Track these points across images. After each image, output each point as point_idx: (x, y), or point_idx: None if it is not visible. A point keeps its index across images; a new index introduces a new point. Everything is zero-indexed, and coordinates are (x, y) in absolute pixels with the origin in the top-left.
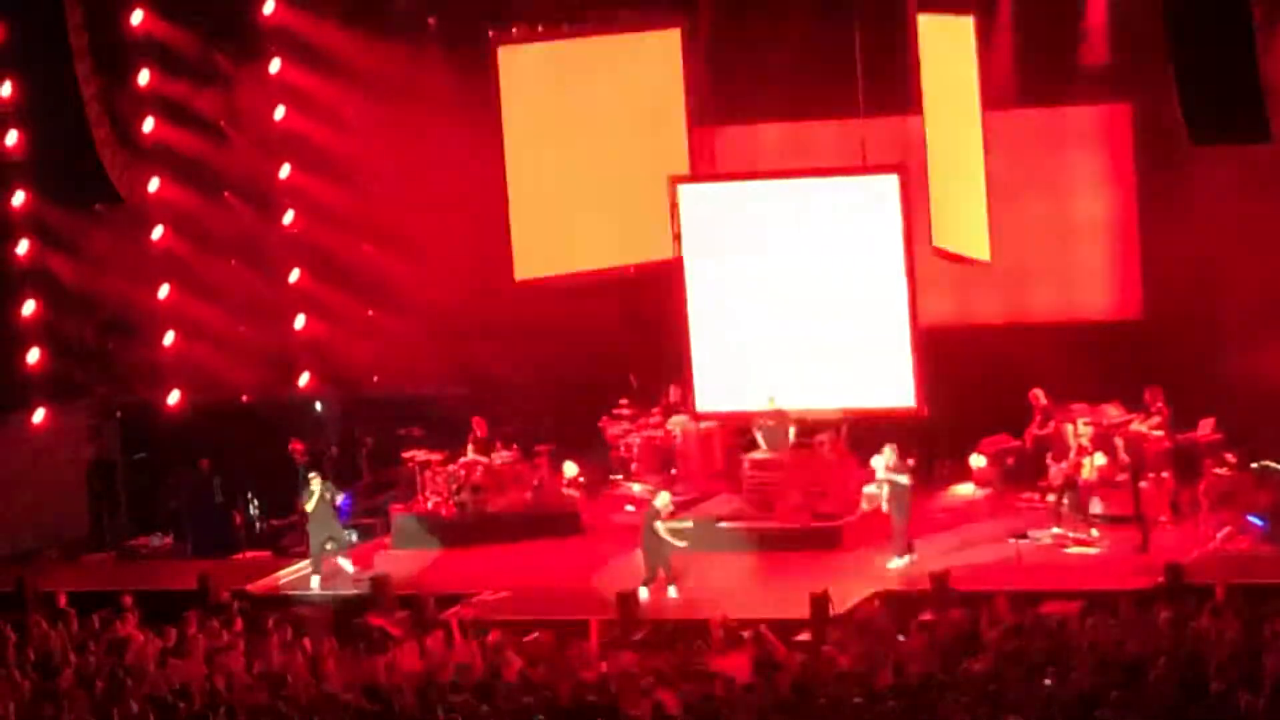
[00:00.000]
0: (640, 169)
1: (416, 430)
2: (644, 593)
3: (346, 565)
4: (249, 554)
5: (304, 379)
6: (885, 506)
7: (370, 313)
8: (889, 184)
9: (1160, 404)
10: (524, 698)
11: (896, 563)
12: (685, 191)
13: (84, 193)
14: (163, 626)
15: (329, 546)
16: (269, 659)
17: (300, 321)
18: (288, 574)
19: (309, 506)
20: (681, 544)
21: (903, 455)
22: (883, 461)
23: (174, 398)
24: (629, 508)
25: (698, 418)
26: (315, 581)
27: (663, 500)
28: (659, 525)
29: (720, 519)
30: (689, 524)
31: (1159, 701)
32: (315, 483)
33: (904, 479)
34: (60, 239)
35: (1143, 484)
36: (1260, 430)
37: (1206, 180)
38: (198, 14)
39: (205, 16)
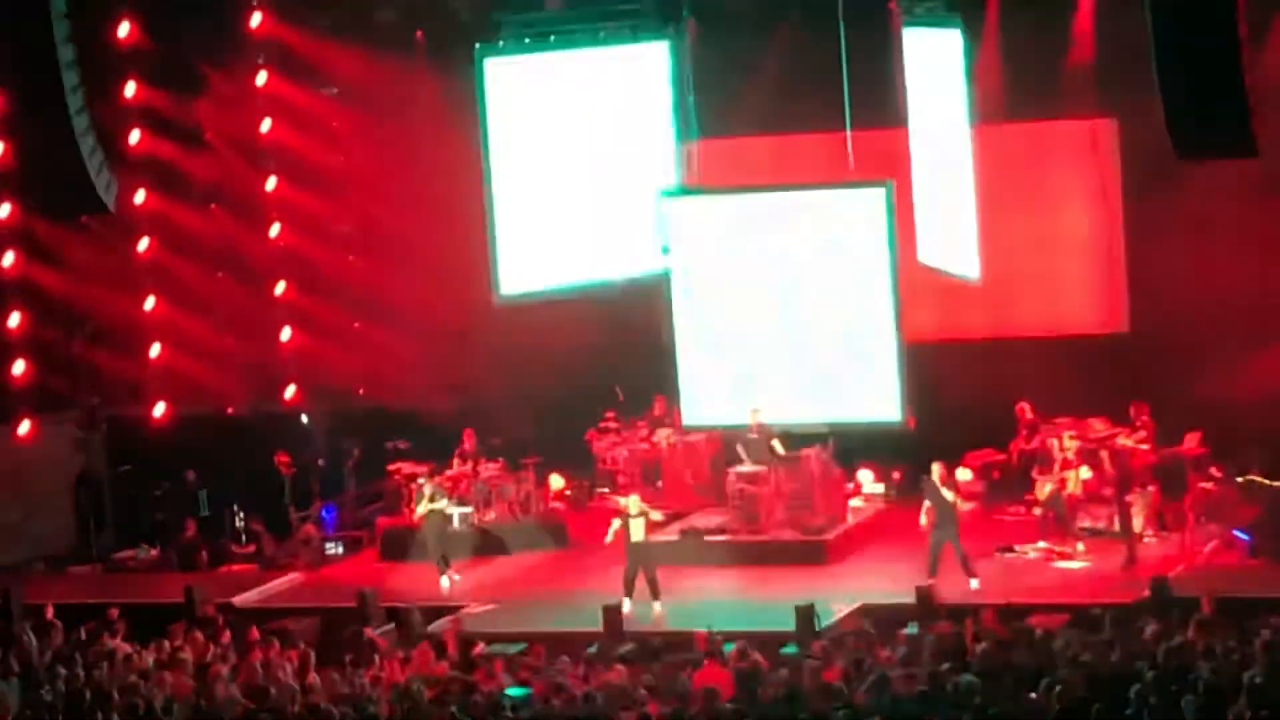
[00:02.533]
0: (627, 182)
1: (403, 443)
2: (627, 605)
3: (445, 582)
4: (235, 567)
5: (290, 391)
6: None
7: (356, 325)
8: (877, 196)
9: (1146, 418)
10: (511, 710)
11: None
12: (672, 204)
13: (70, 204)
14: (149, 639)
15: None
16: (254, 672)
17: (286, 334)
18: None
19: (420, 510)
20: (657, 516)
21: (949, 471)
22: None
23: (160, 410)
24: (615, 520)
25: (683, 431)
26: (445, 583)
27: (632, 504)
28: (633, 525)
29: (706, 532)
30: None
31: (1144, 716)
32: (428, 488)
33: (949, 495)
34: (46, 251)
35: (1129, 498)
36: (1245, 444)
37: (1192, 194)
38: (184, 26)
39: (191, 29)
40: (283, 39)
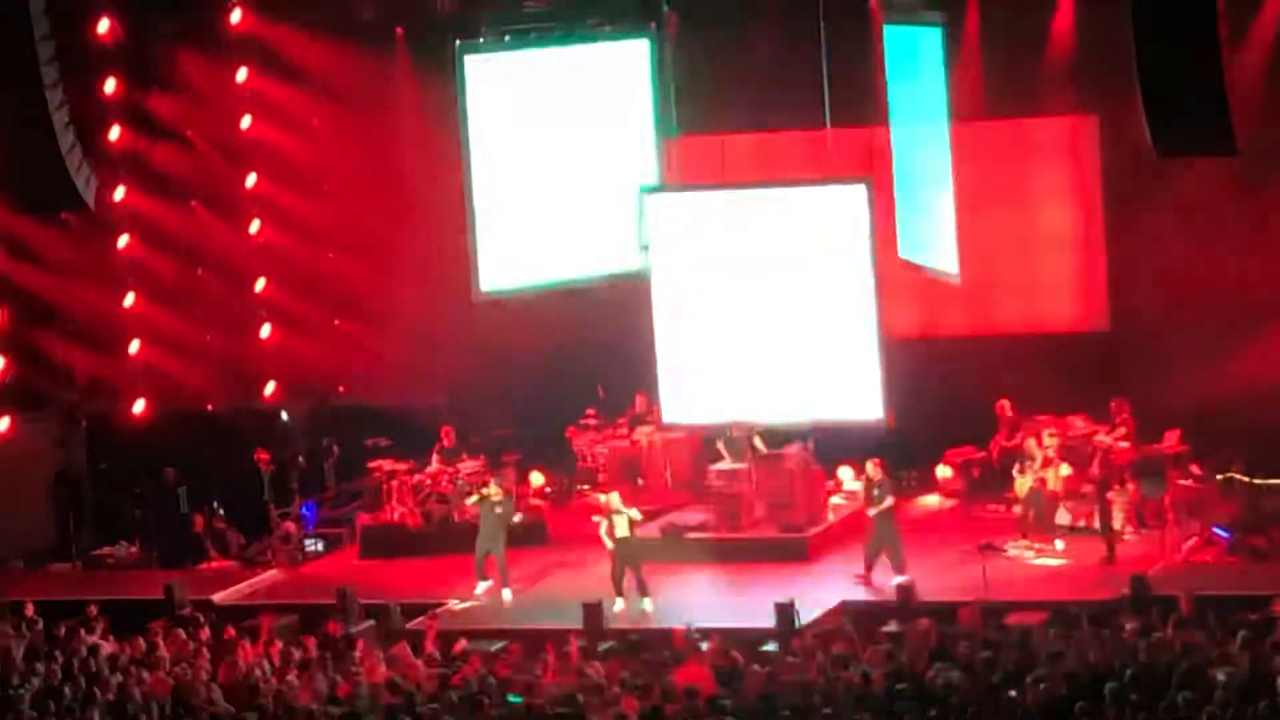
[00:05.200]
0: (607, 179)
1: (383, 440)
2: (619, 604)
3: (506, 594)
4: (215, 564)
5: (270, 388)
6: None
7: (336, 322)
8: (857, 194)
9: (1126, 415)
10: (490, 708)
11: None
12: (653, 201)
13: (49, 201)
14: (128, 636)
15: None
16: (234, 669)
17: (266, 331)
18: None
19: (469, 503)
20: (636, 515)
21: (886, 470)
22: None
23: (139, 407)
24: (596, 518)
25: (664, 428)
26: (480, 587)
27: (614, 500)
28: (617, 521)
29: (686, 530)
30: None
31: (1123, 713)
32: (494, 487)
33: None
34: (26, 247)
35: (1109, 495)
36: (1225, 442)
37: (1172, 192)
38: (164, 22)
39: (171, 25)
40: (263, 36)
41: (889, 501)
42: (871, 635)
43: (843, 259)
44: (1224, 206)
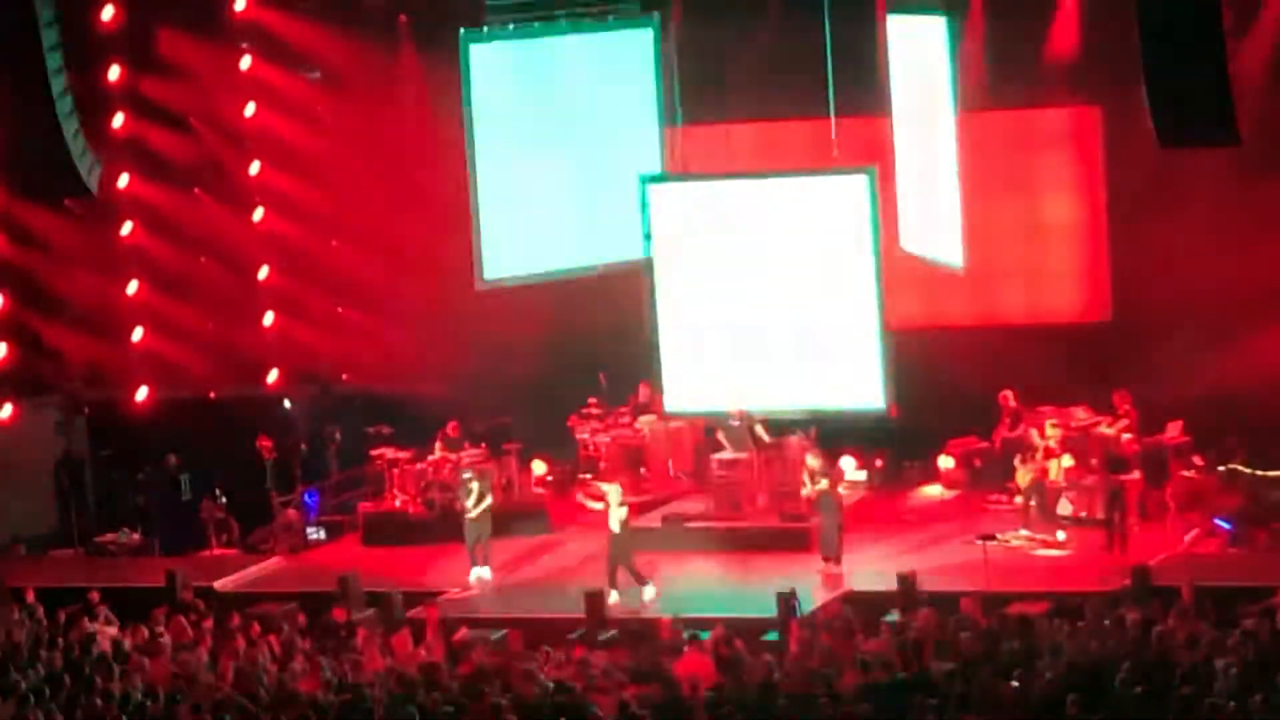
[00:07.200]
0: (611, 168)
1: (385, 428)
2: (614, 596)
3: (485, 573)
4: (216, 551)
5: (273, 376)
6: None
7: (339, 310)
8: (860, 183)
9: (1128, 406)
10: (491, 696)
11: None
12: (656, 190)
13: (53, 188)
14: (130, 623)
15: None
16: (236, 656)
17: (269, 318)
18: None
19: (469, 504)
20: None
21: (828, 460)
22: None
23: (142, 394)
24: (596, 506)
25: (666, 417)
26: (475, 575)
27: (614, 493)
28: (611, 515)
29: (688, 519)
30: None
31: (1124, 703)
32: (475, 483)
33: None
34: (29, 234)
35: (1111, 487)
36: (1227, 433)
37: (1176, 183)
38: (167, 9)
39: (175, 12)
40: (266, 23)
41: (822, 484)
42: (873, 625)
43: (846, 249)
44: (1227, 197)
